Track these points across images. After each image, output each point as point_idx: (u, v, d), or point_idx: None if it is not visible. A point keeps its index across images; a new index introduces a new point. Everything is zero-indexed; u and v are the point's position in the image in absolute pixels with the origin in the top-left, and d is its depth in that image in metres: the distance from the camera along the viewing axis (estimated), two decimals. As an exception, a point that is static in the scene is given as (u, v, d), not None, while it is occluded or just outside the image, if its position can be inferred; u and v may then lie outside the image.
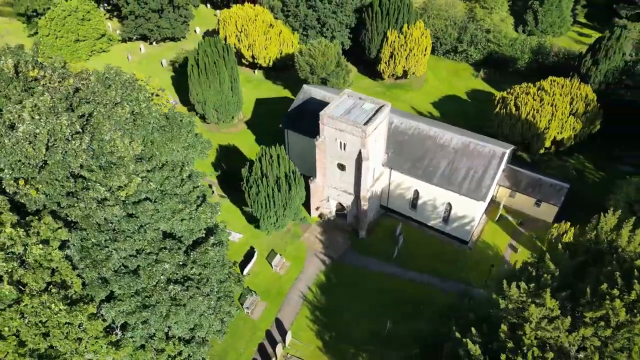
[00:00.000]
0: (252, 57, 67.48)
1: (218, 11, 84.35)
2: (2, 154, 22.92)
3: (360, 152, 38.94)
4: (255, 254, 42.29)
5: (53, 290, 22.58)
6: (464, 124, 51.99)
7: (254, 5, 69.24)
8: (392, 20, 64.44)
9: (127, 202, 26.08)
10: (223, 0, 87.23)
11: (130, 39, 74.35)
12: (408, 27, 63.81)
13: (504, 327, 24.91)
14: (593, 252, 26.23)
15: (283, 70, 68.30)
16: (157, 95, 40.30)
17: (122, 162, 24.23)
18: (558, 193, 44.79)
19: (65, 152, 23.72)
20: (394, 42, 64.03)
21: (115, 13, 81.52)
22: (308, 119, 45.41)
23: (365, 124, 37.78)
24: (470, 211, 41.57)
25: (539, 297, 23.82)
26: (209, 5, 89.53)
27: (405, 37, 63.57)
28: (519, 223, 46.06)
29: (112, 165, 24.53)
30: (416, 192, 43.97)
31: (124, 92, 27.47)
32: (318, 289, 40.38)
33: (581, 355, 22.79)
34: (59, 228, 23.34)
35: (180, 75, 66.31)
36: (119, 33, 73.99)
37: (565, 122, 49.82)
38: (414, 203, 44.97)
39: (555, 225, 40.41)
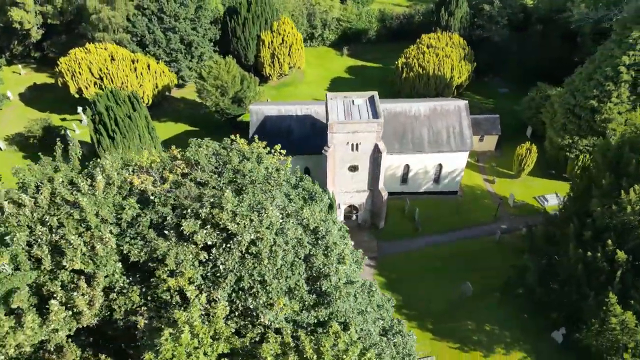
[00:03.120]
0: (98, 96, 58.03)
1: (21, 66, 69.29)
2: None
3: (375, 147, 38.99)
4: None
5: None
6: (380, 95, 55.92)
7: (98, 43, 58.87)
8: (262, 23, 63.21)
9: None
10: (24, 52, 71.08)
11: None
12: (276, 25, 63.64)
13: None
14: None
15: (159, 105, 60.97)
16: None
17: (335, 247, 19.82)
18: (494, 124, 52.72)
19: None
20: (272, 42, 63.22)
21: None
22: (283, 137, 43.15)
23: (376, 117, 37.92)
24: (459, 164, 46.00)
25: None
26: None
27: (281, 35, 63.32)
28: (476, 160, 52.79)
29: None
30: (406, 167, 46.24)
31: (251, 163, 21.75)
32: (386, 288, 39.82)
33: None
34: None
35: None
36: None
37: (461, 67, 58.11)
38: (404, 178, 47.21)
39: (520, 146, 48.13)
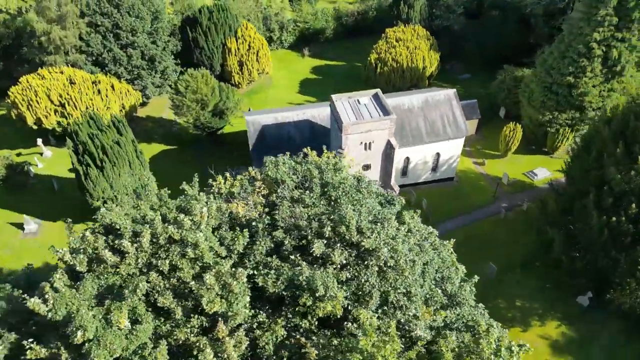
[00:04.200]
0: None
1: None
2: None
3: (388, 143, 39.20)
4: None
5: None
6: (349, 91, 56.57)
7: (51, 67, 54.00)
8: (226, 30, 61.21)
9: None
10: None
11: None
12: (240, 31, 61.99)
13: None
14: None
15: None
16: None
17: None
18: (474, 109, 54.81)
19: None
20: (238, 49, 61.45)
21: None
22: (284, 145, 42.37)
23: (387, 114, 38.08)
24: (455, 151, 47.41)
25: None
26: None
27: (247, 41, 61.71)
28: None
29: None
30: (406, 160, 46.90)
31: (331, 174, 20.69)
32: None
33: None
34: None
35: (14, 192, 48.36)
36: None
37: (431, 57, 59.84)
38: (404, 170, 47.87)
39: (505, 127, 50.45)
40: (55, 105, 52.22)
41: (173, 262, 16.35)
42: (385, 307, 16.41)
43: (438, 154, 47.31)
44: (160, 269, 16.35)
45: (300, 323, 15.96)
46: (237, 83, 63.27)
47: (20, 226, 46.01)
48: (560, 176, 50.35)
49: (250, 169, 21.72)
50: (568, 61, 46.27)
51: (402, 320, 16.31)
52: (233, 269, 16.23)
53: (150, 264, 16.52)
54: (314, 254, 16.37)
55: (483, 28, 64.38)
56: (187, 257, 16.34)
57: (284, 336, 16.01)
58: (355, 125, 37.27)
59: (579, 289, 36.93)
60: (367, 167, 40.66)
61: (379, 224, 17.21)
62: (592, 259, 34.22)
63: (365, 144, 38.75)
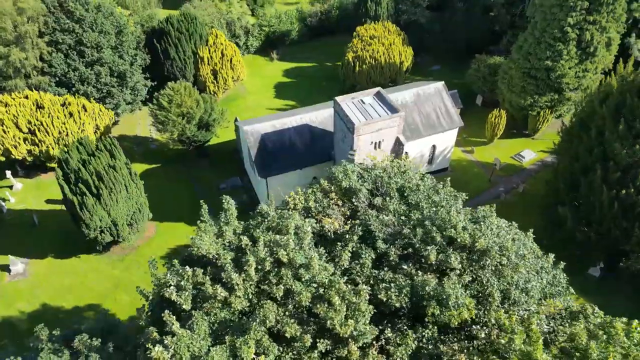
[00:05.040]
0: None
1: None
2: None
3: (396, 141, 39.33)
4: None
5: None
6: (331, 93, 56.86)
7: (13, 93, 49.77)
8: (197, 39, 59.06)
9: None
10: None
11: None
12: (211, 39, 60.10)
13: None
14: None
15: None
16: None
17: None
18: (455, 99, 56.04)
19: None
20: (212, 58, 59.52)
21: None
22: (287, 152, 41.82)
23: (395, 112, 38.17)
24: (450, 141, 48.42)
25: None
26: None
27: (219, 49, 59.89)
28: (447, 135, 55.91)
29: None
30: (405, 155, 47.24)
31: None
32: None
33: None
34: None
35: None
36: None
37: (406, 52, 60.71)
38: (403, 165, 48.26)
39: (491, 114, 52.14)
40: (24, 133, 48.20)
41: (287, 287, 15.42)
42: (506, 305, 16.38)
43: (434, 146, 48.11)
44: (274, 295, 15.37)
45: (429, 332, 15.54)
46: (212, 93, 61.21)
47: (5, 268, 42.18)
48: (544, 156, 53.05)
49: (322, 180, 20.85)
50: (545, 46, 48.43)
51: (524, 317, 16.35)
52: (353, 287, 15.54)
53: (262, 292, 15.49)
54: (429, 262, 16.00)
55: (449, 20, 66.16)
56: (302, 279, 15.47)
57: (414, 348, 15.55)
58: (366, 126, 37.08)
59: (589, 262, 38.85)
60: (376, 166, 40.62)
61: (480, 223, 17.13)
62: (605, 230, 36.03)
63: (375, 143, 38.68)
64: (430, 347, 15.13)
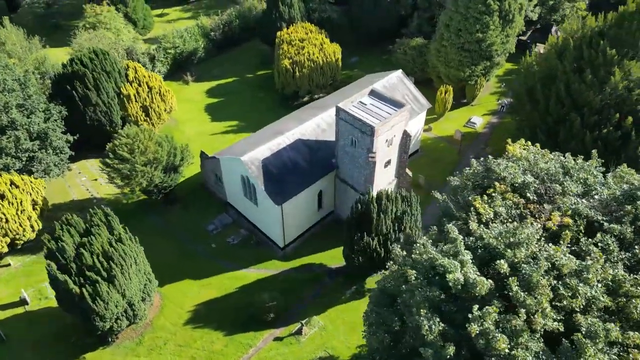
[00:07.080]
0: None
1: None
2: None
3: (404, 133, 39.82)
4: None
5: None
6: (271, 103, 56.79)
7: None
8: (116, 77, 51.95)
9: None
10: None
11: None
12: (131, 73, 53.52)
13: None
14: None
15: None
16: None
17: None
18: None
19: None
20: (139, 94, 53.04)
21: None
22: (291, 172, 40.02)
23: (401, 106, 38.55)
24: (419, 124, 50.46)
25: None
26: None
27: (143, 82, 53.61)
28: (401, 119, 58.14)
29: None
30: (388, 146, 48.08)
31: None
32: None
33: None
34: None
35: None
36: None
37: (335, 49, 61.17)
38: (387, 157, 49.03)
39: (439, 90, 55.59)
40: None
41: (585, 295, 15.02)
42: None
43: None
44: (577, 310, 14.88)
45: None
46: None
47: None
48: (489, 118, 58.50)
49: (499, 185, 20.22)
50: (472, 20, 52.94)
51: None
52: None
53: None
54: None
55: (359, 11, 68.21)
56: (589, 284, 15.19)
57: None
58: (383, 126, 36.79)
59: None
60: (388, 162, 40.67)
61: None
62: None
63: (388, 140, 38.67)
64: None
